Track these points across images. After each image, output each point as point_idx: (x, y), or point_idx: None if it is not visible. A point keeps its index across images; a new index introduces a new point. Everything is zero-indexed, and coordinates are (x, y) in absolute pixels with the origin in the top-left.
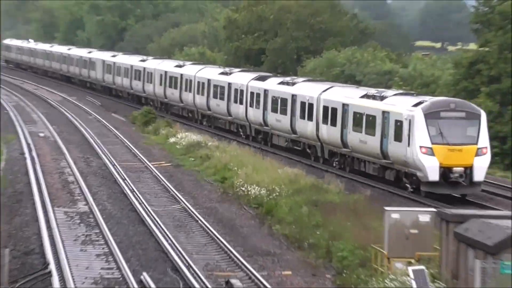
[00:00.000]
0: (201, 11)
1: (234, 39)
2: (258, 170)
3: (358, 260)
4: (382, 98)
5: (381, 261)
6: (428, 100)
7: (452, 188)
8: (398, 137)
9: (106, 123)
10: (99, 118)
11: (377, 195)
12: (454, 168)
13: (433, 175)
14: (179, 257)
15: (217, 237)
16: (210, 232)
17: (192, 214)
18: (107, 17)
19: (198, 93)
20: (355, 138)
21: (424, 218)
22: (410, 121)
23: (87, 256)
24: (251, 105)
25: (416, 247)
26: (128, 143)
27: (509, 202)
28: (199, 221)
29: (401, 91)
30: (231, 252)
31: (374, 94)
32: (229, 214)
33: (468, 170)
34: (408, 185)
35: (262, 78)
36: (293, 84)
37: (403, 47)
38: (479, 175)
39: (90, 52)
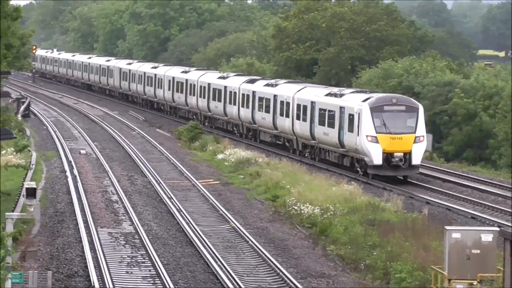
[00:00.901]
0: (249, 19)
1: (284, 48)
2: (312, 187)
3: (417, 281)
4: (341, 95)
5: (441, 283)
6: (375, 96)
7: (394, 171)
8: (351, 128)
9: (150, 138)
10: (143, 133)
11: (436, 214)
12: (395, 154)
13: (377, 160)
14: (229, 280)
15: (269, 258)
16: (261, 253)
17: (243, 234)
18: (149, 26)
19: (200, 96)
20: (320, 131)
21: (487, 237)
22: (359, 114)
23: (133, 279)
24: (242, 106)
25: (478, 268)
26: (174, 160)
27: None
28: (250, 242)
29: (357, 89)
30: (284, 274)
31: (336, 92)
32: (281, 234)
33: (407, 155)
34: (358, 169)
35: (251, 81)
36: (276, 85)
37: (464, 56)
38: (416, 159)
39: (108, 61)
